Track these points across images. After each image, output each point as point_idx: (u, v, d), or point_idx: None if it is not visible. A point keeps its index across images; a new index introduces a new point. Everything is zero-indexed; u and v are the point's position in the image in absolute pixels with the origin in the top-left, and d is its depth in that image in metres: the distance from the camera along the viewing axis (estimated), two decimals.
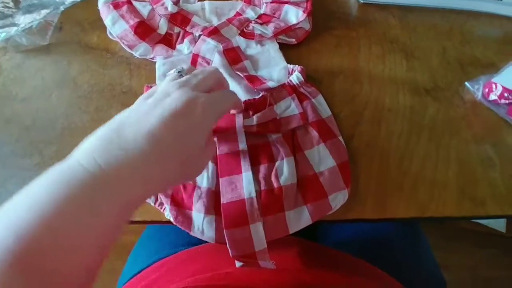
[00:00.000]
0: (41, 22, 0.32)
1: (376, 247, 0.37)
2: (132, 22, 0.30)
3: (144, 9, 0.32)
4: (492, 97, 0.30)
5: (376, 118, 0.30)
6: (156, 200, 0.25)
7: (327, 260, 0.31)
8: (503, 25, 0.36)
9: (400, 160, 0.28)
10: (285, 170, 0.25)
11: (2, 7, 0.34)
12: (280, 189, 0.24)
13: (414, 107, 0.31)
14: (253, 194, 0.24)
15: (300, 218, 0.25)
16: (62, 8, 0.32)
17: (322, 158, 0.26)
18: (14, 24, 0.32)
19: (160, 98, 0.19)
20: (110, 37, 0.32)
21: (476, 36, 0.35)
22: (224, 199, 0.24)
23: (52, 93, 0.30)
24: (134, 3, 0.32)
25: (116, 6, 0.31)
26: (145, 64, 0.31)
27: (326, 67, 0.32)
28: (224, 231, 0.24)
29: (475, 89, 0.31)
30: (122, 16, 0.31)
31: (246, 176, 0.25)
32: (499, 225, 0.78)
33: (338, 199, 0.25)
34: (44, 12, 0.31)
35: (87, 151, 0.16)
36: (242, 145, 0.26)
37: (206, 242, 0.33)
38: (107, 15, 0.31)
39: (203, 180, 0.25)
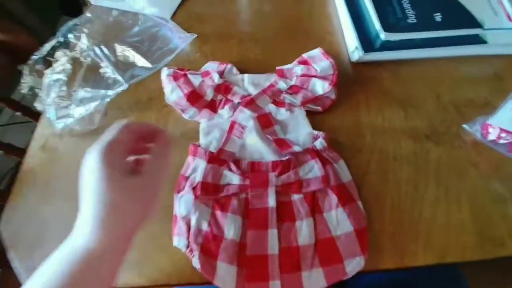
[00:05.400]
0: (91, 112, 0.39)
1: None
2: (185, 91, 0.36)
3: (196, 80, 0.37)
4: (491, 137, 0.32)
5: (383, 168, 0.32)
6: (188, 246, 0.28)
7: None
8: (492, 64, 0.39)
9: (412, 207, 0.30)
10: (304, 230, 0.27)
11: (59, 99, 0.42)
12: (297, 249, 0.27)
13: (417, 153, 0.33)
14: (276, 251, 0.27)
15: (315, 280, 0.26)
16: (107, 99, 0.39)
17: (340, 222, 0.28)
18: (70, 115, 0.39)
19: None
20: (167, 101, 0.38)
21: (468, 78, 0.38)
22: (249, 251, 0.27)
23: None
24: (189, 75, 0.38)
25: (176, 78, 0.37)
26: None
27: (330, 124, 0.35)
28: (246, 284, 0.26)
29: (474, 130, 0.33)
30: (179, 86, 0.37)
31: (271, 233, 0.28)
32: None
33: (353, 265, 0.26)
34: (93, 104, 0.39)
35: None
36: (272, 202, 0.29)
37: None
38: (168, 85, 0.37)
39: (230, 231, 0.28)
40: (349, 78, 0.39)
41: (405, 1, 0.39)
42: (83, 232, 0.22)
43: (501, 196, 0.31)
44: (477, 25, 0.37)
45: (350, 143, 0.34)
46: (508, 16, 0.38)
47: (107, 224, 0.21)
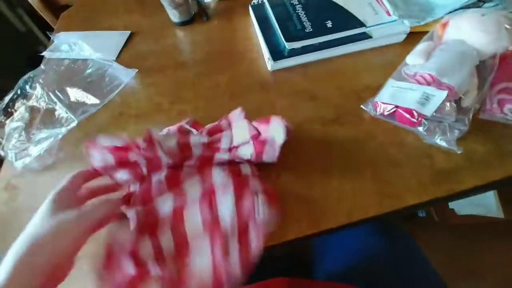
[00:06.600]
0: (46, 149, 0.44)
1: (371, 271, 0.39)
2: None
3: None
4: (380, 111, 0.38)
5: (299, 150, 0.38)
6: None
7: None
8: (382, 53, 0.47)
9: (323, 179, 0.35)
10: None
11: (19, 143, 0.47)
12: None
13: (326, 134, 0.39)
14: None
15: None
16: (60, 136, 0.44)
17: None
18: (28, 155, 0.44)
19: None
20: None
21: (365, 68, 0.45)
22: None
23: None
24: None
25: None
26: None
27: None
28: None
29: (369, 108, 0.40)
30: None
31: None
32: (495, 212, 0.77)
33: None
34: (48, 142, 0.43)
35: None
36: None
37: None
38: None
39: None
40: (269, 84, 0.45)
41: (302, 16, 0.48)
42: None
43: (397, 160, 0.36)
44: (361, 24, 0.45)
45: None
46: (387, 12, 0.47)
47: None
